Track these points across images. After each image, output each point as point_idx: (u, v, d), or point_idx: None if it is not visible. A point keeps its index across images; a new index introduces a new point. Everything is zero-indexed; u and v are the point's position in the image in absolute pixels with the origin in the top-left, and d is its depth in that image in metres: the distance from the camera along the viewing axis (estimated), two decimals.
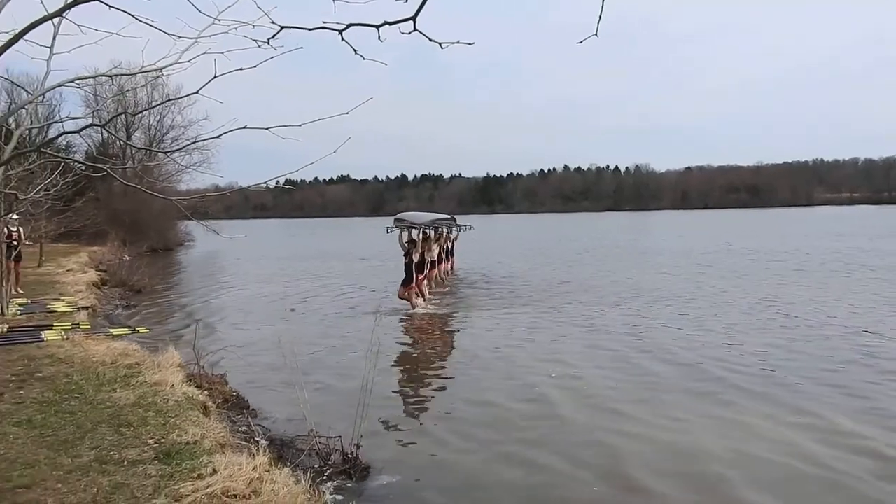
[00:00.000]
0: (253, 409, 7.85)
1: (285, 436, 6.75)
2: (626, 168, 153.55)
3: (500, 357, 10.32)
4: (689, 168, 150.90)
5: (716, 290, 17.33)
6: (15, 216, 14.58)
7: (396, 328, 13.28)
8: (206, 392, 7.52)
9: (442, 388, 8.76)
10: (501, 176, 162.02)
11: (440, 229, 20.57)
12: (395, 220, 16.09)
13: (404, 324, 13.69)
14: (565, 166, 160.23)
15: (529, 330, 12.50)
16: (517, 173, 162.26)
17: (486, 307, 15.38)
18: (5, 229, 14.07)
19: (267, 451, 5.66)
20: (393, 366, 10.07)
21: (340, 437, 6.17)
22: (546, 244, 40.84)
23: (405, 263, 15.24)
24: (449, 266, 22.97)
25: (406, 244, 15.45)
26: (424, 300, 15.97)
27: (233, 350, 11.35)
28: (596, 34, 2.63)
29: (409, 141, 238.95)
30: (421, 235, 16.53)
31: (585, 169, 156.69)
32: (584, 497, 5.46)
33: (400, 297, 15.33)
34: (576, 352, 10.61)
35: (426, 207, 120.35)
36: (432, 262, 18.14)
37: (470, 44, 2.82)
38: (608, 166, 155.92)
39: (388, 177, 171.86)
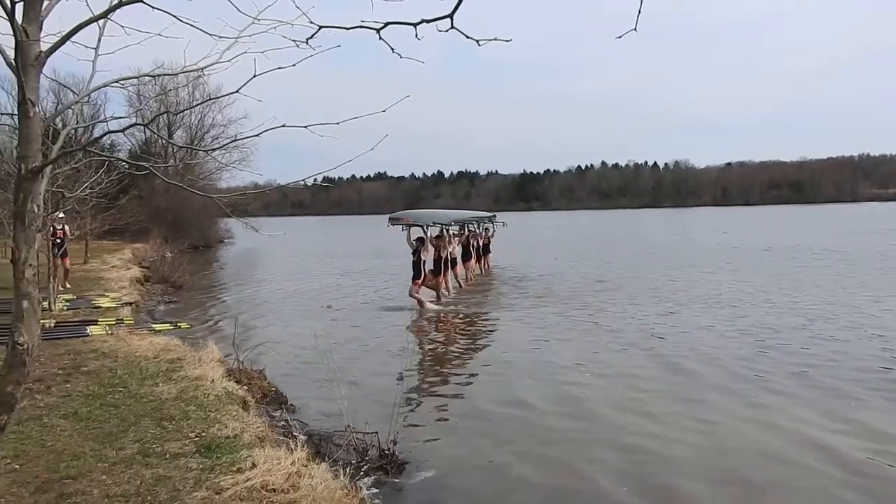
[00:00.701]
0: (291, 405, 7.92)
1: (323, 431, 6.80)
2: (665, 164, 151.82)
3: (534, 356, 10.27)
4: (729, 164, 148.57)
5: (755, 287, 17.02)
6: (61, 214, 14.93)
7: (431, 326, 13.32)
8: (245, 387, 7.63)
9: (476, 387, 8.75)
10: (538, 172, 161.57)
11: (466, 227, 20.49)
12: (391, 218, 15.97)
13: (438, 321, 13.71)
14: (603, 162, 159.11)
15: (563, 328, 12.42)
16: (554, 170, 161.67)
17: (520, 305, 15.30)
18: (52, 227, 14.43)
19: (305, 446, 5.72)
20: (427, 363, 10.10)
21: (377, 433, 6.20)
22: (583, 241, 40.53)
23: (412, 262, 15.24)
24: (484, 264, 22.96)
25: (414, 242, 15.43)
26: (443, 297, 16.00)
27: (270, 345, 11.49)
28: (635, 29, 2.60)
29: (445, 138, 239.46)
30: (432, 233, 16.49)
31: (623, 165, 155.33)
32: (615, 499, 5.40)
33: (410, 296, 15.28)
34: (610, 351, 10.51)
35: (462, 205, 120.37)
36: (453, 261, 18.19)
37: (507, 40, 2.81)
38: (646, 162, 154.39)
39: (424, 174, 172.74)
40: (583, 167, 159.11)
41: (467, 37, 2.72)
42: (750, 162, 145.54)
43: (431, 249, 15.87)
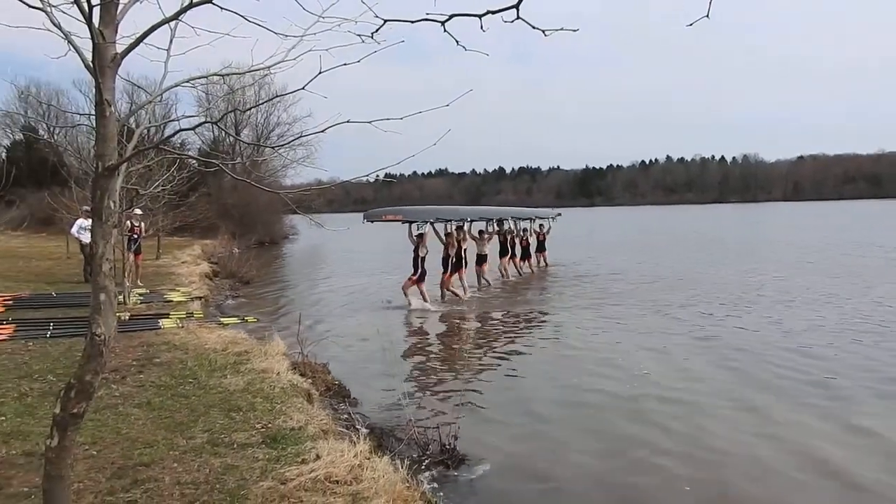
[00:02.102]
0: (353, 398, 8.03)
1: (384, 425, 6.88)
2: (733, 158, 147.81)
3: (592, 355, 10.11)
4: (801, 157, 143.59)
5: (825, 288, 16.42)
6: (138, 211, 15.47)
7: (490, 322, 13.30)
8: (309, 380, 7.76)
9: (535, 385, 8.68)
10: (601, 168, 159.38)
11: (505, 224, 20.30)
12: (366, 215, 15.67)
13: (497, 318, 13.67)
14: (668, 157, 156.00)
15: (623, 327, 12.22)
16: (617, 165, 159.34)
17: (578, 304, 15.05)
18: (129, 223, 14.97)
19: (367, 439, 5.79)
20: (488, 358, 10.07)
21: (438, 427, 6.23)
22: (646, 237, 39.79)
23: (413, 258, 15.21)
24: (540, 261, 22.83)
25: (415, 237, 15.38)
26: (462, 294, 15.95)
27: (334, 340, 11.66)
28: (707, 16, 2.53)
29: (507, 133, 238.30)
30: (442, 230, 16.46)
31: (689, 160, 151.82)
32: (676, 498, 5.29)
33: (418, 291, 15.31)
34: (674, 352, 10.30)
35: (523, 201, 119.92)
36: (480, 258, 18.20)
37: (574, 30, 2.77)
38: (713, 157, 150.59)
39: (485, 170, 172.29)
40: (647, 162, 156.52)
41: (533, 27, 2.69)
42: (823, 155, 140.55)
43: (452, 246, 15.90)
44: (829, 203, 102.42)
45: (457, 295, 15.88)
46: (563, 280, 19.88)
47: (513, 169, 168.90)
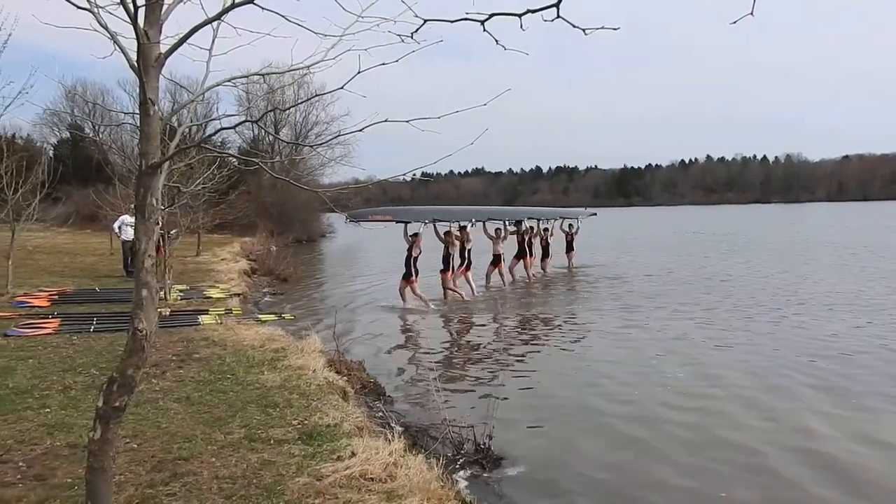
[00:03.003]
0: (388, 396, 8.06)
1: (419, 423, 6.89)
2: (776, 157, 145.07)
3: (629, 358, 9.95)
4: (846, 157, 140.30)
5: (867, 292, 16.02)
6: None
7: (525, 322, 13.24)
8: (344, 377, 7.82)
9: (574, 385, 8.63)
10: (639, 167, 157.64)
11: (523, 224, 20.07)
12: (349, 215, 15.66)
13: (532, 318, 13.61)
14: (708, 156, 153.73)
15: (656, 330, 12.08)
16: (656, 164, 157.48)
17: (612, 305, 14.90)
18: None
19: (402, 437, 5.81)
20: (521, 360, 10.03)
21: (473, 427, 6.22)
22: (685, 238, 39.24)
23: (405, 258, 15.20)
24: (569, 262, 22.70)
25: (409, 238, 15.33)
26: (468, 293, 15.87)
27: (369, 337, 11.72)
28: (752, 13, 2.48)
29: (544, 132, 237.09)
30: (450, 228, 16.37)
31: (730, 159, 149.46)
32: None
33: (399, 291, 15.37)
34: (710, 354, 10.17)
35: (560, 200, 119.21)
36: (495, 258, 18.12)
37: (615, 29, 2.74)
38: (755, 156, 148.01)
39: (522, 169, 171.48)
40: (686, 161, 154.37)
41: (574, 26, 2.67)
42: (870, 155, 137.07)
43: (452, 244, 15.86)
44: (876, 204, 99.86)
45: (459, 294, 15.86)
46: (593, 281, 19.71)
47: (550, 168, 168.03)
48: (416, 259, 15.16)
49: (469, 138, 3.40)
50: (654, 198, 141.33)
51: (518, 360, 9.88)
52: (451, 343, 11.58)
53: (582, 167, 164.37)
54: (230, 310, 12.12)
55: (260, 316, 12.39)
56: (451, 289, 16.00)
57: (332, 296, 17.35)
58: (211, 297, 13.85)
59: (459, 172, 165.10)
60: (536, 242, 21.12)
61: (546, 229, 22.18)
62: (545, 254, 21.65)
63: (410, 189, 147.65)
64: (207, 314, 11.43)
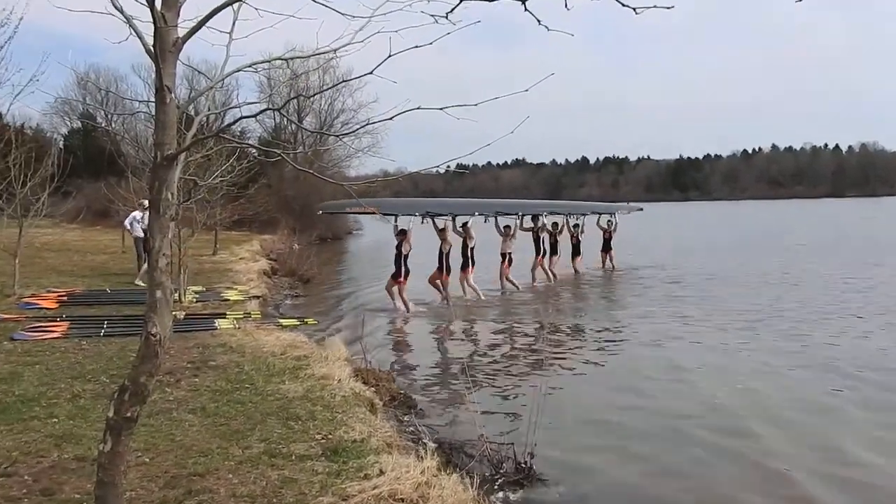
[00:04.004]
0: (420, 409, 8.06)
1: (454, 439, 6.88)
2: (850, 147, 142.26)
3: (675, 371, 9.80)
4: None
5: None
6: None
7: (568, 329, 13.14)
8: (372, 388, 7.85)
9: (621, 399, 8.54)
10: (696, 158, 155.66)
11: (540, 219, 19.83)
12: (322, 207, 16.10)
13: (575, 326, 13.49)
14: (773, 146, 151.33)
15: (704, 337, 11.96)
16: (715, 155, 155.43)
17: (654, 311, 14.74)
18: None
19: (435, 454, 5.81)
20: (566, 368, 9.97)
21: (513, 444, 6.20)
22: (746, 236, 38.60)
23: (395, 255, 15.22)
24: (607, 261, 22.69)
25: (398, 234, 15.35)
26: (450, 299, 15.85)
27: (400, 345, 11.77)
28: None
29: (591, 120, 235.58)
30: (443, 224, 16.36)
31: (798, 148, 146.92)
32: None
33: (387, 290, 15.47)
34: (766, 365, 10.02)
35: (609, 194, 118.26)
36: (507, 258, 18.02)
37: (668, 7, 2.70)
38: (826, 145, 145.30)
39: (567, 160, 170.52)
40: (749, 151, 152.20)
41: (623, 5, 2.64)
42: None
43: (446, 242, 15.88)
44: None
45: (443, 296, 15.90)
46: (636, 283, 19.52)
47: (597, 159, 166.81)
48: (406, 257, 15.19)
49: (508, 127, 3.38)
50: (713, 191, 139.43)
51: (560, 371, 9.82)
52: (484, 351, 11.55)
53: (633, 158, 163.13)
54: (249, 313, 12.25)
55: (281, 320, 12.48)
56: (439, 289, 16.07)
57: (359, 298, 17.42)
58: (228, 300, 14.01)
59: (498, 164, 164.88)
60: (564, 239, 21.02)
61: (576, 225, 21.98)
62: (575, 252, 21.57)
63: (444, 182, 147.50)
64: (225, 318, 11.57)
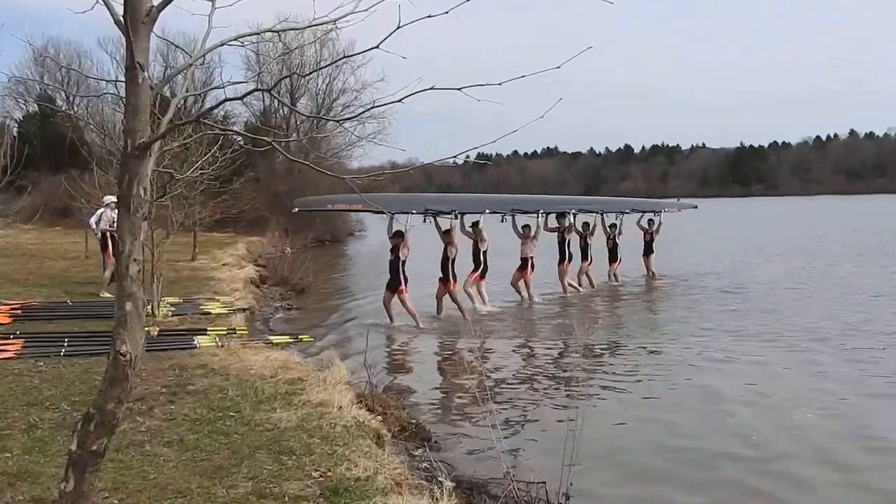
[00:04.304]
0: (435, 442, 8.06)
1: (475, 477, 6.87)
2: None
3: (735, 400, 9.75)
4: None
5: None
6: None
7: (602, 349, 13.04)
8: (379, 417, 7.84)
9: (657, 435, 8.46)
10: (760, 146, 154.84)
11: (567, 218, 19.78)
12: (297, 203, 16.40)
13: (611, 344, 13.38)
14: (851, 131, 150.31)
15: (765, 358, 11.94)
16: (783, 142, 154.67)
17: (702, 327, 14.69)
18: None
19: (453, 494, 5.80)
20: (601, 396, 9.89)
21: (545, 483, 6.18)
22: (819, 238, 38.33)
23: (390, 261, 15.27)
24: (648, 267, 22.74)
25: (392, 238, 15.40)
26: (482, 306, 16.13)
27: (411, 365, 11.77)
28: None
29: (635, 104, 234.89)
30: (450, 223, 16.44)
31: (881, 135, 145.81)
32: None
33: (385, 305, 15.51)
34: (835, 390, 9.97)
35: (657, 189, 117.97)
36: (523, 262, 18.03)
37: None
38: None
39: (607, 149, 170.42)
40: (823, 138, 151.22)
41: None
42: None
43: (451, 245, 16.00)
44: None
45: (440, 310, 16.12)
46: (685, 293, 19.42)
47: (643, 148, 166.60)
48: (403, 263, 15.23)
49: (538, 111, 3.37)
50: (780, 185, 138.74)
51: (595, 399, 9.76)
52: (507, 373, 11.49)
53: (685, 146, 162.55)
54: (234, 329, 12.28)
55: (271, 337, 12.51)
56: (454, 300, 16.15)
57: (363, 311, 17.43)
58: (210, 314, 14.05)
59: (526, 153, 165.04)
60: (594, 242, 21.01)
61: (613, 225, 21.88)
62: (613, 257, 21.57)
63: (462, 174, 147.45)
64: (205, 334, 11.60)
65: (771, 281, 21.12)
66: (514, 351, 13.16)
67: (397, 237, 15.33)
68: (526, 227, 18.49)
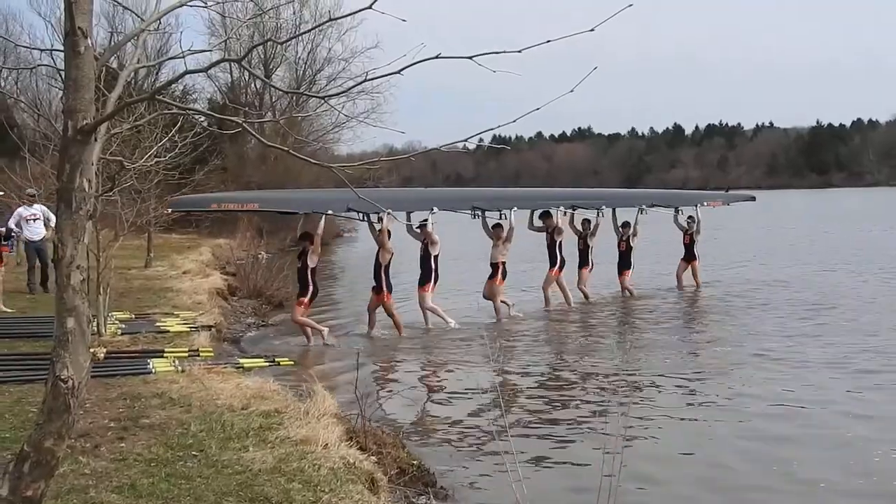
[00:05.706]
0: (441, 487, 8.07)
1: None
2: None
3: (800, 441, 9.81)
4: None
5: None
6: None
7: (645, 369, 13.01)
8: (373, 457, 7.85)
9: (713, 469, 8.58)
10: (841, 125, 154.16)
11: (553, 216, 19.51)
12: (171, 203, 17.14)
13: (655, 366, 13.34)
14: None
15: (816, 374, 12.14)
16: (869, 120, 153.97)
17: (761, 346, 14.55)
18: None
19: None
20: (638, 435, 9.87)
21: None
22: None
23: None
24: (691, 274, 22.55)
25: (299, 238, 15.76)
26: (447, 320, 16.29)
27: (410, 393, 11.78)
28: None
29: (686, 77, 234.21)
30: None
31: None
32: None
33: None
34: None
35: (714, 178, 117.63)
36: (494, 266, 18.06)
37: None
38: None
39: (652, 129, 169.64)
40: None
41: None
42: None
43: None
44: None
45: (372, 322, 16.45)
46: (740, 309, 19.32)
47: (696, 128, 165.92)
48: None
49: (566, 85, 3.40)
50: (866, 173, 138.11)
51: (629, 438, 9.75)
52: (539, 399, 11.52)
53: (748, 126, 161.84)
54: (197, 350, 12.31)
55: (242, 360, 12.52)
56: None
57: (351, 329, 17.45)
58: (168, 332, 14.09)
59: (553, 135, 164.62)
60: (603, 245, 21.14)
61: (626, 224, 21.46)
62: (624, 263, 21.21)
63: (475, 162, 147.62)
64: (162, 357, 11.64)
65: (855, 294, 20.94)
66: (528, 374, 13.17)
67: (304, 239, 15.81)
68: (497, 226, 18.43)
